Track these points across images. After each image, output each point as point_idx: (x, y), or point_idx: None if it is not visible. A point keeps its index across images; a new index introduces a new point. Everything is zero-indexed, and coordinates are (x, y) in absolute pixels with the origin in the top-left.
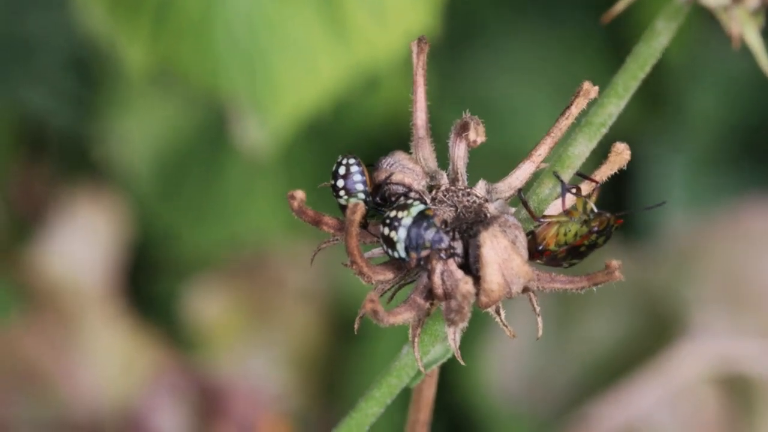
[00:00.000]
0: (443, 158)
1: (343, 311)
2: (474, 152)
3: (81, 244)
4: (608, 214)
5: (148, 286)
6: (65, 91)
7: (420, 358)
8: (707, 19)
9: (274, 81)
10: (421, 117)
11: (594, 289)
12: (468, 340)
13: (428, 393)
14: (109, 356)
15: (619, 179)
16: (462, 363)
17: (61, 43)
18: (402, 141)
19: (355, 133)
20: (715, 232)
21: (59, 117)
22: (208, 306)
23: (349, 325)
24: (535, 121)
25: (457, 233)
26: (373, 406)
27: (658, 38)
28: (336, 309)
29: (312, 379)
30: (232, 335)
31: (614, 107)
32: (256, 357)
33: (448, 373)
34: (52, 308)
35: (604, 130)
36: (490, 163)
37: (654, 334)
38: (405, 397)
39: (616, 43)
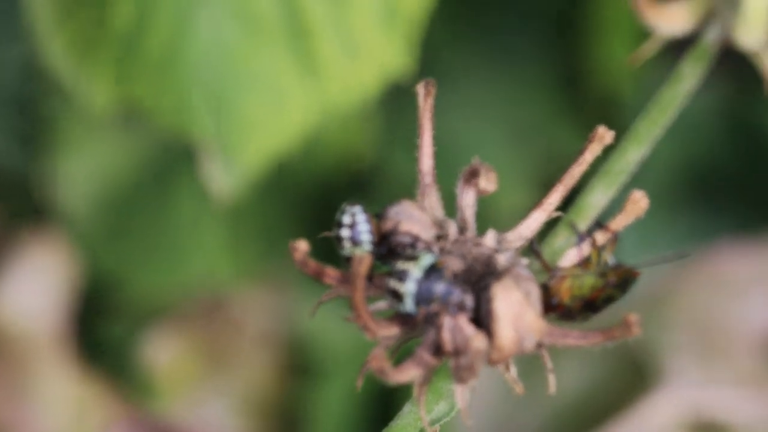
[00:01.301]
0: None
1: (301, 355)
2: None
3: (29, 289)
4: (626, 266)
5: (99, 332)
6: (11, 129)
7: (425, 418)
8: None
9: (241, 121)
10: (427, 163)
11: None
12: (432, 388)
13: None
14: (61, 405)
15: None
16: (469, 424)
17: (7, 81)
18: (353, 185)
19: (304, 174)
20: (688, 277)
21: (5, 156)
22: (162, 352)
23: (307, 367)
24: (489, 159)
25: (467, 286)
26: None
27: (683, 83)
28: (294, 352)
29: (271, 424)
30: (187, 382)
31: (634, 154)
32: (213, 404)
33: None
34: (0, 355)
35: (622, 178)
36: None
37: (626, 381)
38: None
39: (570, 82)
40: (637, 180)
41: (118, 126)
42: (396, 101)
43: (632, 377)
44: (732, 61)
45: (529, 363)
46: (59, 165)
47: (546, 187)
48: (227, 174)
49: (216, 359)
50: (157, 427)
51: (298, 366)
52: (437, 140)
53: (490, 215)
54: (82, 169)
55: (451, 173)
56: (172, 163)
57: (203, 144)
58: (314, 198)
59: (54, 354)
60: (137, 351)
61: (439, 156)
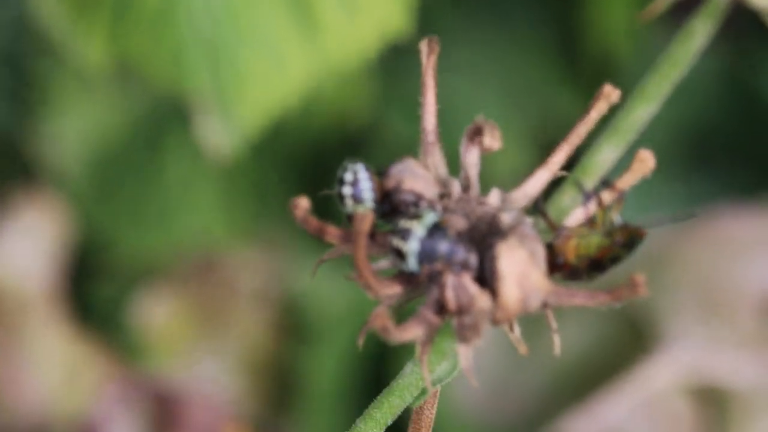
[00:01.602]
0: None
1: (295, 316)
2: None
3: (21, 249)
4: (633, 226)
5: (92, 291)
6: (1, 88)
7: (428, 377)
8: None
9: (240, 77)
10: (430, 121)
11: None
12: (434, 348)
13: (429, 413)
14: (53, 366)
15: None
16: (475, 384)
17: None
18: (347, 145)
19: (298, 133)
20: (689, 239)
21: None
22: (156, 311)
23: (301, 328)
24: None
25: (471, 245)
26: (372, 427)
27: (694, 39)
28: (288, 314)
29: (265, 384)
30: (182, 341)
31: (643, 112)
32: (208, 363)
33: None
34: None
35: (631, 136)
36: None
37: (626, 343)
38: (401, 416)
39: (567, 43)
40: (638, 142)
41: (111, 85)
42: (392, 62)
43: (634, 339)
44: (734, 25)
45: (529, 324)
46: (51, 124)
47: (544, 148)
48: (225, 130)
49: (209, 319)
50: (149, 387)
51: (293, 327)
52: (438, 102)
53: (487, 177)
54: (75, 129)
55: (448, 135)
56: (165, 122)
57: (200, 100)
58: (309, 157)
59: (46, 313)
60: (130, 311)
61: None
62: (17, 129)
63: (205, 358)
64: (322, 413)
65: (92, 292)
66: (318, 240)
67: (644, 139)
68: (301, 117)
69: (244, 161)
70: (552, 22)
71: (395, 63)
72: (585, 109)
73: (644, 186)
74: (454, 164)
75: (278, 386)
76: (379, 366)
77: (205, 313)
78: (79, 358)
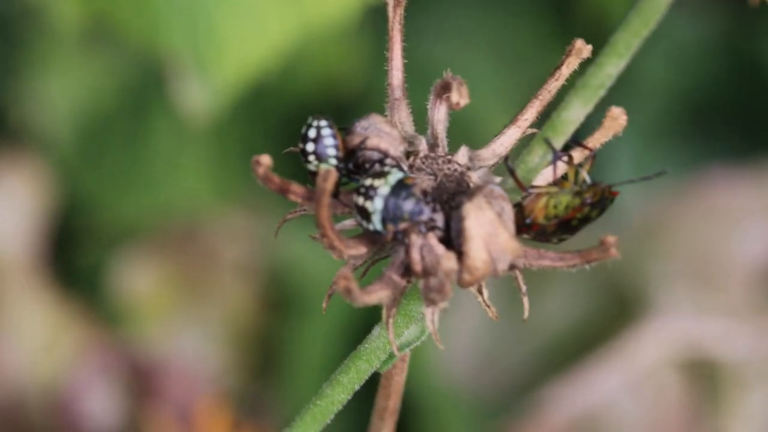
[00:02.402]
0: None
1: (280, 285)
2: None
3: (2, 214)
4: (603, 185)
5: (73, 257)
6: None
7: (395, 341)
8: None
9: (217, 37)
10: (397, 76)
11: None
12: (402, 311)
13: (399, 378)
14: (32, 332)
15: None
16: (441, 347)
17: None
18: (336, 107)
19: (288, 98)
20: (678, 207)
21: None
22: (138, 278)
23: (286, 299)
24: (477, 87)
25: (437, 204)
26: (340, 392)
27: None
28: (273, 283)
29: (248, 356)
30: (163, 310)
31: (614, 68)
32: (190, 333)
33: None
34: None
35: (602, 93)
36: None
37: (614, 312)
38: (371, 383)
39: (561, 9)
40: (636, 107)
41: (98, 50)
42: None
43: (622, 309)
44: None
45: (514, 294)
46: (37, 88)
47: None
48: (203, 91)
49: (192, 288)
50: (128, 356)
51: (278, 297)
52: (423, 66)
53: (476, 141)
54: (61, 93)
55: None
56: (152, 86)
57: (177, 60)
58: (297, 121)
59: (27, 279)
60: (113, 278)
61: (425, 82)
62: (2, 94)
63: (187, 327)
64: (307, 386)
65: (76, 258)
66: (335, 216)
67: (645, 104)
68: (289, 80)
69: (231, 124)
70: None
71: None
72: (557, 65)
73: (645, 148)
74: (452, 127)
75: (262, 358)
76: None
77: (188, 282)
78: (58, 324)
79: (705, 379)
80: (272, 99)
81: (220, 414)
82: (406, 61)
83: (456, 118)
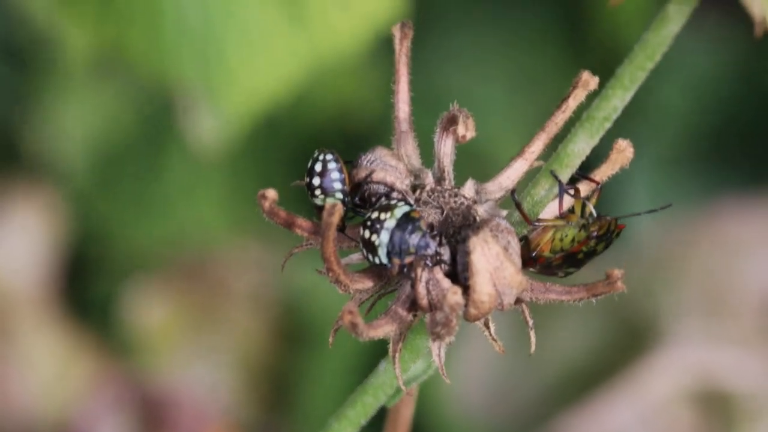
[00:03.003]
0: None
1: (292, 316)
2: (425, 149)
3: (14, 244)
4: (609, 218)
5: (86, 288)
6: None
7: (401, 376)
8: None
9: (228, 67)
10: (404, 109)
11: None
12: (409, 346)
13: (406, 413)
14: (44, 363)
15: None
16: (447, 382)
17: None
18: (349, 138)
19: (302, 129)
20: (690, 237)
21: None
22: (150, 309)
23: (298, 330)
24: (491, 117)
25: (443, 238)
26: (346, 426)
27: (669, 25)
28: (285, 314)
29: (260, 387)
30: (175, 341)
31: (619, 101)
32: (202, 364)
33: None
34: None
35: (608, 125)
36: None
37: (627, 343)
38: (379, 417)
39: (574, 37)
40: (652, 135)
41: (111, 79)
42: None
43: (634, 340)
44: (749, 21)
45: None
46: (51, 117)
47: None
48: (214, 120)
49: (205, 319)
50: (140, 387)
51: (291, 328)
52: (437, 95)
53: (490, 171)
54: (75, 122)
55: None
56: (164, 116)
57: (188, 89)
58: (311, 151)
59: (39, 311)
60: (125, 308)
61: (440, 112)
62: (16, 124)
63: (199, 358)
64: (319, 418)
65: (88, 289)
66: (341, 250)
67: (660, 132)
68: (303, 111)
69: (246, 156)
70: (557, 10)
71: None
72: (563, 97)
73: (660, 177)
74: (463, 156)
75: (274, 389)
76: None
77: (200, 313)
78: (70, 355)
79: (717, 410)
80: (286, 129)
81: None
82: (418, 91)
83: (470, 148)
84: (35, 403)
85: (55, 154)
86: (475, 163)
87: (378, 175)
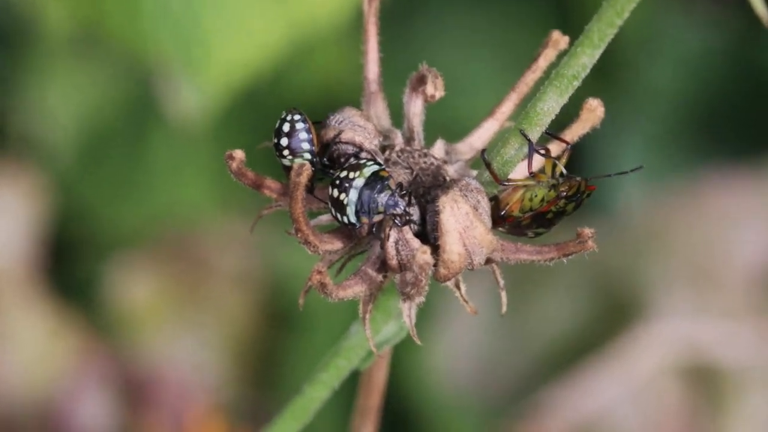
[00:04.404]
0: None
1: (278, 295)
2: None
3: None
4: (579, 178)
5: (70, 266)
6: None
7: (371, 338)
8: None
9: (206, 39)
10: (373, 70)
11: (560, 263)
12: (415, 321)
13: (379, 376)
14: (28, 342)
15: (571, 151)
16: (418, 342)
17: None
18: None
19: (289, 104)
20: (677, 209)
21: None
22: (135, 288)
23: (285, 310)
24: (479, 94)
25: (413, 198)
26: (319, 389)
27: None
28: (271, 293)
29: (246, 366)
30: (160, 319)
31: (588, 58)
32: (187, 343)
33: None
34: None
35: (577, 84)
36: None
37: (612, 316)
38: (353, 381)
39: (563, 15)
40: (642, 112)
41: (94, 59)
42: (388, 30)
43: (621, 312)
44: (740, 3)
45: (516, 298)
46: (34, 96)
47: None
48: (193, 94)
49: (190, 298)
50: (123, 365)
51: (277, 306)
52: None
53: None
54: (59, 101)
55: (444, 106)
56: (148, 95)
57: (166, 63)
58: None
59: (25, 289)
60: (110, 287)
61: None
62: (0, 102)
63: (184, 337)
64: None
65: (73, 268)
66: (310, 211)
67: (650, 109)
68: (288, 85)
69: (231, 133)
70: None
71: (392, 31)
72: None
73: (650, 152)
74: (452, 133)
75: (261, 368)
76: None
77: (185, 291)
78: (54, 334)
79: (704, 382)
80: (271, 106)
81: (215, 423)
82: (405, 68)
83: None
84: (20, 382)
85: (40, 134)
86: (462, 137)
87: (346, 135)
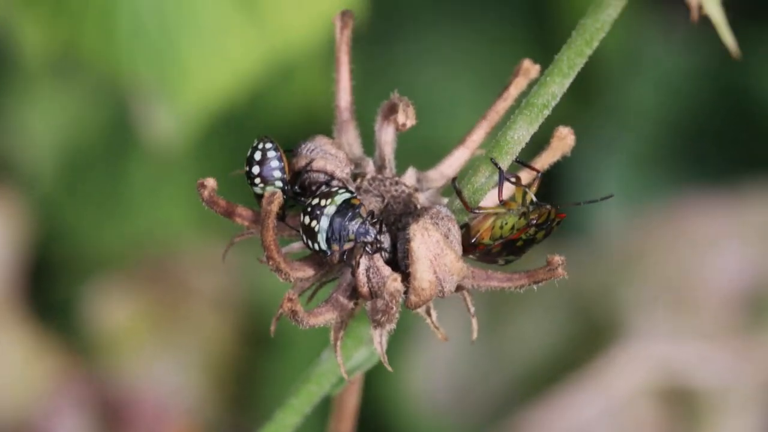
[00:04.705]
0: (369, 148)
1: (257, 317)
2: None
3: None
4: (549, 206)
5: (49, 289)
6: None
7: (342, 364)
8: (647, 12)
9: (182, 63)
10: (344, 98)
11: (533, 288)
12: (391, 345)
13: (351, 401)
14: (6, 362)
15: (549, 176)
16: (389, 369)
17: None
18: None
19: (269, 128)
20: (654, 232)
21: None
22: (113, 310)
23: (263, 332)
24: (459, 115)
25: (384, 226)
26: (291, 415)
27: (607, 10)
28: (249, 315)
29: (224, 388)
30: (138, 341)
31: (558, 87)
32: (164, 365)
33: (369, 380)
34: None
35: (547, 112)
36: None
37: (590, 338)
38: (326, 407)
39: (542, 37)
40: (624, 133)
41: (74, 82)
42: (370, 54)
43: (597, 334)
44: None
45: (493, 320)
46: (14, 118)
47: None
48: (170, 117)
49: (168, 320)
50: (100, 386)
51: (256, 329)
52: (404, 92)
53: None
54: (39, 123)
55: (425, 125)
56: (128, 117)
57: (142, 86)
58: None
59: (4, 310)
60: (87, 309)
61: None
62: None
63: (162, 358)
64: None
65: (51, 289)
66: (282, 239)
67: (632, 130)
68: (269, 108)
69: (211, 156)
70: (525, 11)
71: (370, 51)
72: (504, 86)
73: (632, 173)
74: (432, 154)
75: (240, 390)
76: None
77: (163, 313)
78: (32, 356)
79: (681, 404)
80: (251, 129)
81: None
82: (385, 88)
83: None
84: None
85: (19, 157)
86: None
87: (318, 164)
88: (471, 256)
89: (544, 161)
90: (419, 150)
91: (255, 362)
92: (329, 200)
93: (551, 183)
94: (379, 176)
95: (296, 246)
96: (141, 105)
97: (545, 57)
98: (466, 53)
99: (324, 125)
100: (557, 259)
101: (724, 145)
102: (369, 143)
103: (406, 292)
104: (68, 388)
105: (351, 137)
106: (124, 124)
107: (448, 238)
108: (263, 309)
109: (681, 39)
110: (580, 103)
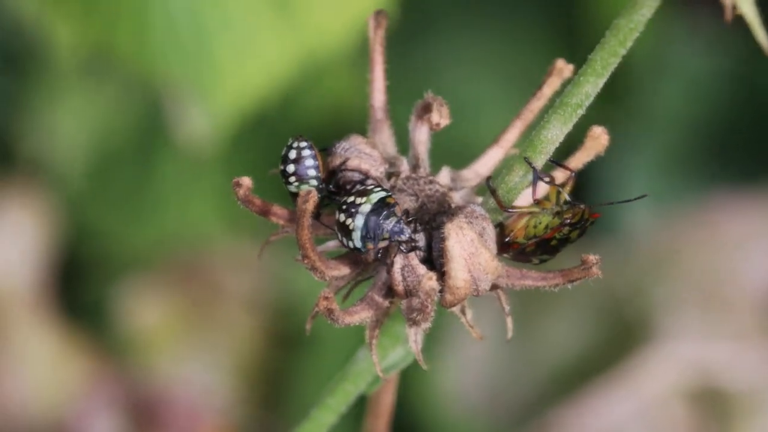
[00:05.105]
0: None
1: (288, 317)
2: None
3: (9, 246)
4: (583, 206)
5: (80, 289)
6: None
7: (378, 363)
8: (674, 13)
9: (216, 64)
10: (379, 98)
11: (567, 287)
12: (426, 344)
13: (387, 400)
14: (38, 364)
15: (578, 177)
16: (424, 367)
17: None
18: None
19: (298, 128)
20: (686, 232)
21: None
22: (145, 310)
23: (294, 331)
24: (488, 115)
25: (419, 224)
26: (326, 414)
27: (641, 11)
28: (280, 315)
29: (255, 388)
30: (169, 341)
31: (591, 87)
32: (196, 365)
33: (402, 378)
34: None
35: (581, 112)
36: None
37: (621, 338)
38: (361, 405)
39: (570, 36)
40: (651, 135)
41: (105, 82)
42: (401, 54)
43: (629, 335)
44: (746, 26)
45: (524, 321)
46: (45, 119)
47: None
48: (203, 118)
49: (200, 320)
50: (133, 386)
51: (286, 329)
52: (442, 95)
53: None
54: (69, 124)
55: (453, 126)
56: (159, 117)
57: (176, 87)
58: None
59: (35, 311)
60: (120, 309)
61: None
62: (11, 125)
63: (193, 359)
64: None
65: (83, 290)
66: (317, 237)
67: (659, 132)
68: (299, 109)
69: (241, 156)
70: (554, 12)
71: (399, 50)
72: (538, 85)
73: (659, 176)
74: (458, 154)
75: (270, 390)
76: None
77: (195, 313)
78: (64, 356)
79: (713, 405)
80: (282, 128)
81: None
82: (412, 89)
83: (465, 146)
84: (30, 404)
85: (50, 156)
86: (470, 160)
87: (353, 163)
88: (505, 255)
89: (577, 161)
90: (447, 149)
91: (285, 361)
92: (365, 198)
93: (578, 184)
94: (414, 175)
95: (331, 244)
96: (173, 105)
97: (572, 57)
98: (494, 54)
99: (352, 126)
100: (592, 258)
101: (752, 145)
102: (399, 143)
103: (441, 291)
104: (100, 388)
105: (385, 136)
106: (155, 124)
107: (482, 237)
108: (294, 309)
109: (706, 41)
110: (608, 104)
